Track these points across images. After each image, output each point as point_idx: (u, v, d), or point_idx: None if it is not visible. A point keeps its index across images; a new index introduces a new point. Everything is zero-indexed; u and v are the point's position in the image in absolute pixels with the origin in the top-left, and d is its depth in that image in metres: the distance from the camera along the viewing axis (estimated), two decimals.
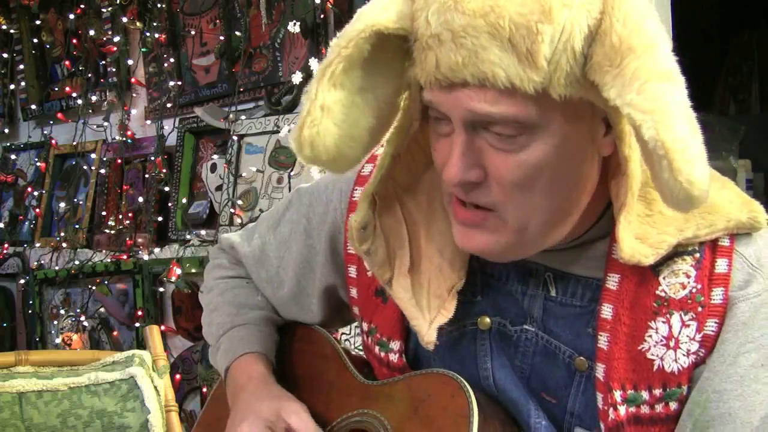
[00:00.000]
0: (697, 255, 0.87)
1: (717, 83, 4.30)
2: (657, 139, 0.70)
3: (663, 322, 0.86)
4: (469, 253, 0.91)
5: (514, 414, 0.95)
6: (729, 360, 0.85)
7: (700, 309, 0.86)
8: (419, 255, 0.94)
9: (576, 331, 0.91)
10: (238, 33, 2.70)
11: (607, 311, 0.87)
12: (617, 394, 0.87)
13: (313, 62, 2.41)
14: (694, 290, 0.86)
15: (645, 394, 0.88)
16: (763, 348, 0.85)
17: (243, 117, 2.67)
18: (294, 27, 2.44)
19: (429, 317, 0.92)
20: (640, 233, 0.84)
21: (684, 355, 0.86)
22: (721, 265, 0.86)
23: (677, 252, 0.87)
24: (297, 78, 2.44)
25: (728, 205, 0.87)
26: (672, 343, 0.86)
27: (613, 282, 0.87)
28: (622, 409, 0.87)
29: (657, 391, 0.88)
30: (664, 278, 0.87)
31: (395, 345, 1.01)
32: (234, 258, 1.20)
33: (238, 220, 2.58)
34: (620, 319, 0.87)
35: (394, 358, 1.01)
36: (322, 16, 2.46)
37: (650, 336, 0.87)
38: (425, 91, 0.81)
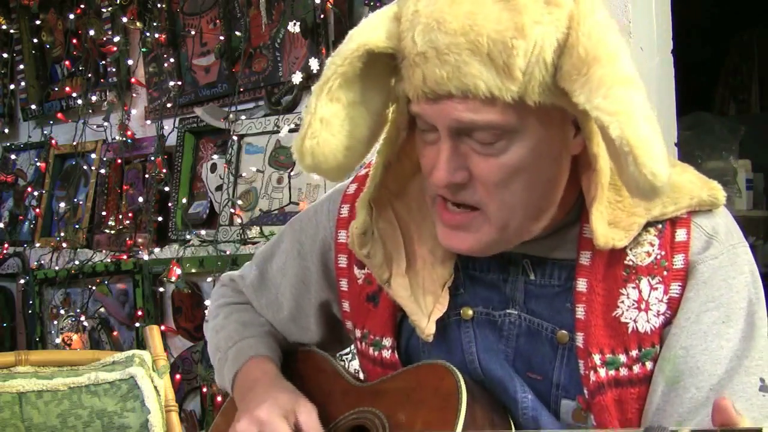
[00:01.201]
0: (659, 226, 0.95)
1: (717, 83, 4.30)
2: (623, 138, 0.79)
3: (633, 287, 0.94)
4: (450, 250, 0.99)
5: (501, 392, 1.00)
6: (693, 318, 0.93)
7: (665, 273, 0.94)
8: (414, 256, 1.03)
9: (556, 308, 0.99)
10: (238, 33, 2.70)
11: (582, 285, 0.96)
12: (596, 358, 0.94)
13: (313, 62, 2.41)
14: (658, 257, 0.95)
15: (623, 357, 0.95)
16: (723, 306, 0.93)
17: (243, 117, 2.68)
18: (294, 27, 2.45)
19: (427, 312, 1.00)
20: (612, 218, 0.93)
21: (654, 315, 0.94)
22: (680, 234, 0.95)
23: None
24: (297, 78, 2.44)
25: (690, 185, 0.96)
26: (643, 306, 0.94)
27: (585, 258, 0.96)
28: (602, 371, 0.94)
29: (633, 353, 0.95)
30: (630, 249, 0.95)
31: (388, 342, 1.06)
32: (235, 288, 1.27)
33: (238, 220, 2.58)
34: (594, 290, 0.95)
35: (387, 354, 1.06)
36: (322, 16, 2.46)
37: (622, 302, 0.95)
38: (413, 104, 0.90)
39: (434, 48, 0.83)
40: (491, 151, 0.87)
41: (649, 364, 0.95)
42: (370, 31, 0.90)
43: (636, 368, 0.95)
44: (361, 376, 1.16)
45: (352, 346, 1.22)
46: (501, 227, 0.92)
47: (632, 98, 0.81)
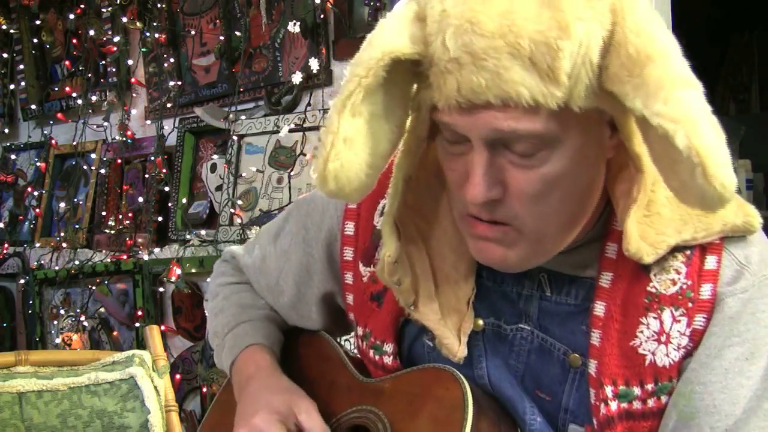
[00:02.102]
0: (688, 252, 0.89)
1: (717, 83, 4.31)
2: (691, 147, 0.71)
3: (654, 317, 0.88)
4: (486, 265, 0.91)
5: (510, 412, 0.96)
6: (714, 353, 0.87)
7: (690, 304, 0.88)
8: (438, 274, 0.96)
9: (570, 329, 0.93)
10: (238, 33, 2.70)
11: (599, 309, 0.90)
12: (608, 390, 0.89)
13: (313, 62, 2.41)
14: (684, 286, 0.88)
15: (637, 390, 0.89)
16: (748, 342, 0.87)
17: (243, 117, 2.67)
18: (294, 27, 2.45)
19: (456, 332, 0.95)
20: (640, 233, 0.86)
21: (675, 349, 0.88)
22: (710, 261, 0.89)
23: (669, 250, 0.89)
24: (297, 78, 2.44)
25: (723, 210, 0.86)
26: (663, 338, 0.88)
27: (606, 280, 0.90)
28: (613, 405, 0.89)
29: (649, 386, 0.89)
30: (654, 275, 0.89)
31: (389, 347, 1.03)
32: (236, 266, 1.24)
33: (238, 220, 2.58)
34: (612, 316, 0.89)
35: (388, 360, 1.03)
36: (322, 16, 2.46)
37: (641, 332, 0.89)
38: (441, 114, 0.81)
39: (469, 53, 0.74)
40: (531, 163, 0.80)
41: (664, 398, 0.90)
42: (393, 36, 0.80)
43: (650, 402, 0.90)
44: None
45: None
46: (536, 240, 0.85)
47: (694, 102, 0.73)
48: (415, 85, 0.84)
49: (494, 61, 0.74)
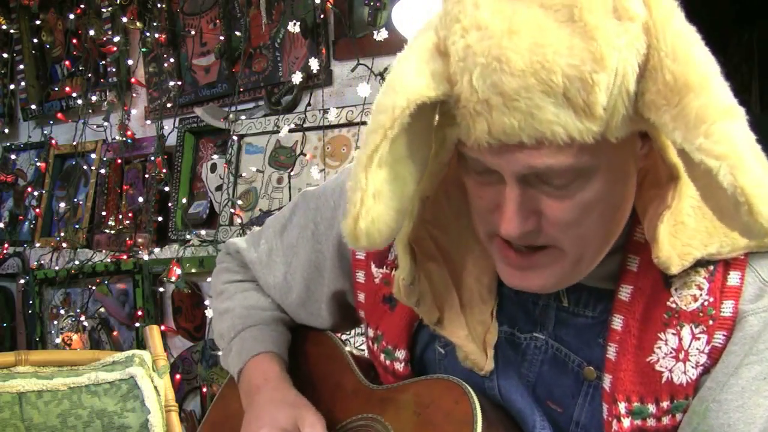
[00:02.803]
0: (711, 267, 0.86)
1: None
2: (736, 186, 0.68)
3: (673, 334, 0.86)
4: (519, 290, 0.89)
5: (519, 424, 0.94)
6: (731, 371, 0.85)
7: (710, 322, 0.85)
8: (462, 288, 0.94)
9: (587, 341, 0.91)
10: (238, 33, 2.70)
11: (617, 322, 0.87)
12: (622, 406, 0.87)
13: (313, 62, 2.41)
14: (705, 303, 0.85)
15: (652, 407, 0.87)
16: (766, 361, 0.84)
17: (243, 117, 2.67)
18: (294, 27, 2.45)
19: (482, 346, 0.93)
20: (669, 240, 0.84)
21: (693, 367, 0.86)
22: (733, 277, 0.86)
23: (692, 264, 0.86)
24: (297, 78, 2.44)
25: None
26: (681, 356, 0.86)
27: (625, 293, 0.87)
28: (626, 422, 0.87)
29: (665, 404, 0.87)
30: (675, 290, 0.86)
31: (401, 354, 1.01)
32: (241, 262, 1.20)
33: (238, 220, 2.58)
34: (630, 330, 0.87)
35: (399, 367, 1.01)
36: (322, 16, 2.46)
37: (659, 348, 0.86)
38: (469, 150, 0.78)
39: (500, 93, 0.70)
40: (566, 193, 0.76)
41: (679, 416, 0.87)
42: (415, 77, 0.74)
43: (665, 420, 0.87)
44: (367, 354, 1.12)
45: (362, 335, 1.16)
46: (576, 261, 0.82)
47: (737, 134, 0.69)
48: (436, 116, 0.80)
49: (526, 101, 0.70)
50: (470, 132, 0.74)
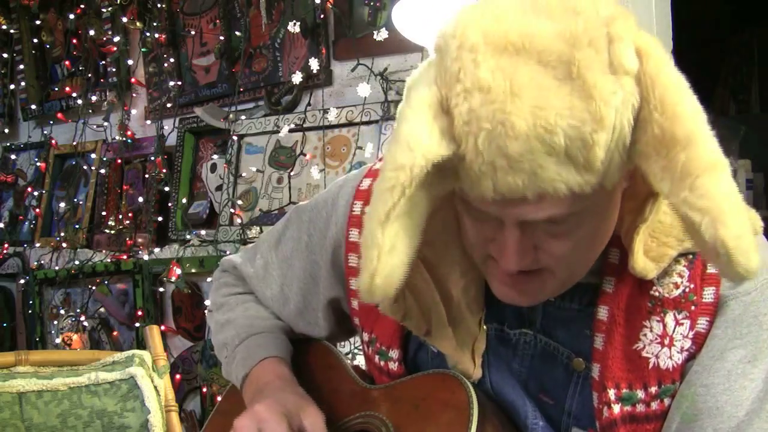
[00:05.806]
0: (690, 257, 0.89)
1: (717, 83, 4.31)
2: (717, 238, 0.71)
3: (657, 321, 0.89)
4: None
5: (512, 415, 0.97)
6: (717, 355, 0.88)
7: (693, 307, 0.89)
8: (449, 300, 0.96)
9: (574, 333, 0.94)
10: (238, 33, 2.70)
11: (602, 313, 0.90)
12: (611, 393, 0.90)
13: (313, 62, 2.41)
14: (687, 289, 0.89)
15: (640, 393, 0.90)
16: (751, 345, 0.87)
17: (243, 117, 2.68)
18: (294, 27, 2.45)
19: (471, 355, 0.97)
20: (644, 247, 0.87)
21: (678, 352, 0.89)
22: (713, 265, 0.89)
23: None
24: (297, 78, 2.44)
25: None
26: (667, 341, 0.89)
27: (609, 285, 0.90)
28: (616, 408, 0.90)
29: (653, 389, 0.90)
30: (657, 279, 0.89)
31: (394, 354, 1.03)
32: (239, 276, 1.23)
33: (238, 220, 2.59)
34: (615, 320, 0.90)
35: (393, 366, 1.03)
36: (322, 16, 2.46)
37: (645, 335, 0.89)
38: (472, 200, 0.80)
39: (504, 156, 0.73)
40: (563, 231, 0.80)
41: (667, 401, 0.90)
42: (426, 135, 0.76)
43: (654, 405, 0.90)
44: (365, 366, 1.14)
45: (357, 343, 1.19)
46: (566, 279, 0.87)
47: (720, 188, 0.72)
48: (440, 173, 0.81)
49: (530, 162, 0.73)
50: (474, 188, 0.77)
